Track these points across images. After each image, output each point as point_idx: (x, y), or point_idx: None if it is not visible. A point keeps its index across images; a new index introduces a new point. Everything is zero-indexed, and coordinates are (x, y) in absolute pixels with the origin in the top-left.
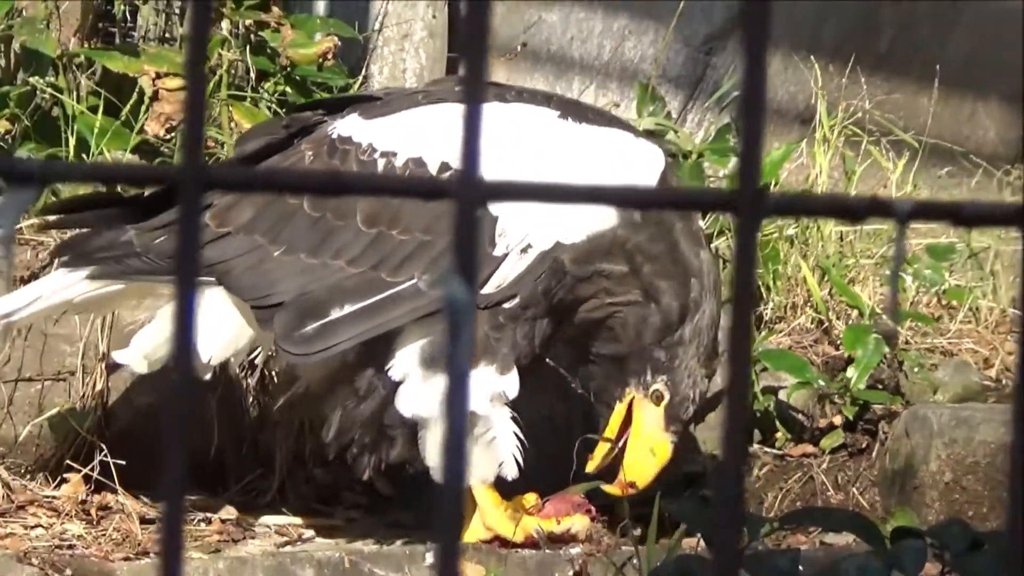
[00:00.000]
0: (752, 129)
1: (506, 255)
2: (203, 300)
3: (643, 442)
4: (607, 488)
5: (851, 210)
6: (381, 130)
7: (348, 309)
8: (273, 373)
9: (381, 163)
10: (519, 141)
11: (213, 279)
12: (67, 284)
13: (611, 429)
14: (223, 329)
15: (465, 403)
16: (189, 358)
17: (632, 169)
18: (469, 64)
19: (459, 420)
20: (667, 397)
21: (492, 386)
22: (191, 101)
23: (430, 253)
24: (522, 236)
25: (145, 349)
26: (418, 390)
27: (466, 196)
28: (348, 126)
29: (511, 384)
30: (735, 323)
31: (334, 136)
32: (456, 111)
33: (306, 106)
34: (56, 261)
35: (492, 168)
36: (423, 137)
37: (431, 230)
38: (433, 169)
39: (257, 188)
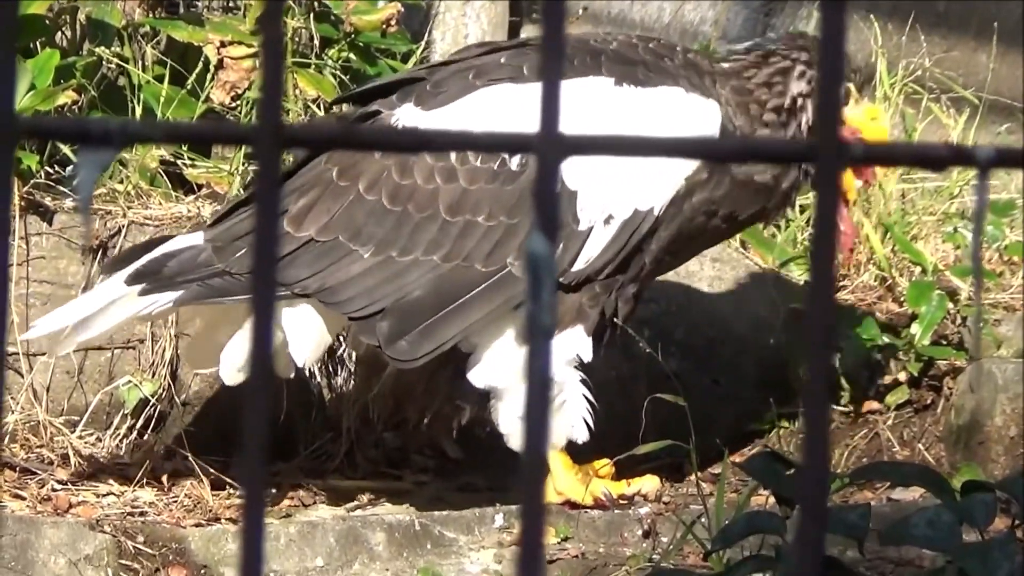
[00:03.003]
0: (830, 78)
1: (591, 228)
2: (293, 310)
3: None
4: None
5: (933, 158)
6: (447, 119)
7: (449, 307)
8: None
9: (454, 153)
10: (579, 119)
11: (308, 295)
12: (146, 303)
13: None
14: (315, 333)
15: (549, 361)
16: (269, 330)
17: (690, 129)
18: (547, 23)
19: (543, 379)
20: (852, 87)
21: (577, 348)
22: (267, 59)
23: (519, 236)
24: (603, 207)
25: (237, 363)
26: (490, 362)
27: (548, 149)
28: (410, 117)
29: (587, 347)
30: (816, 278)
31: (399, 128)
32: (515, 90)
33: (346, 98)
34: (112, 278)
35: None
36: (492, 122)
37: (515, 212)
38: (507, 153)
39: (338, 145)
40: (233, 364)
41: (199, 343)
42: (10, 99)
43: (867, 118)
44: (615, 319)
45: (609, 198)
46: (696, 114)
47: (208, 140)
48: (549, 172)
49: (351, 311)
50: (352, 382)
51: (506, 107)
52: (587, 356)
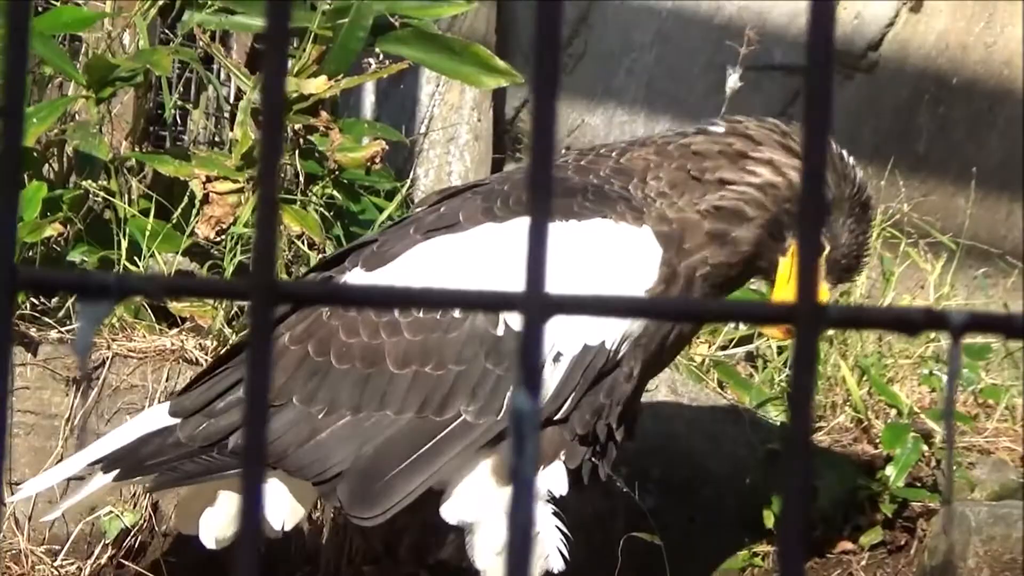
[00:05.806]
0: (809, 241)
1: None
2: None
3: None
4: (768, 331)
5: (907, 323)
6: (387, 278)
7: (406, 461)
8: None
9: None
10: (518, 262)
11: (271, 464)
12: (123, 484)
13: (780, 282)
14: (288, 501)
15: (532, 514)
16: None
17: (628, 267)
18: (534, 182)
19: (525, 530)
20: (827, 247)
21: (551, 485)
22: (261, 216)
23: (469, 383)
24: (550, 345)
25: (214, 531)
26: (462, 498)
27: (533, 308)
28: (357, 280)
29: (563, 483)
30: (794, 433)
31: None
32: (451, 241)
33: (314, 268)
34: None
35: (500, 285)
36: (429, 276)
37: (462, 358)
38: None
39: (329, 301)
40: (211, 533)
41: (185, 506)
42: (10, 252)
43: None
44: (613, 442)
45: (556, 335)
46: (628, 247)
47: (204, 295)
48: (534, 331)
49: (311, 476)
50: (340, 530)
51: (441, 259)
52: (561, 491)
